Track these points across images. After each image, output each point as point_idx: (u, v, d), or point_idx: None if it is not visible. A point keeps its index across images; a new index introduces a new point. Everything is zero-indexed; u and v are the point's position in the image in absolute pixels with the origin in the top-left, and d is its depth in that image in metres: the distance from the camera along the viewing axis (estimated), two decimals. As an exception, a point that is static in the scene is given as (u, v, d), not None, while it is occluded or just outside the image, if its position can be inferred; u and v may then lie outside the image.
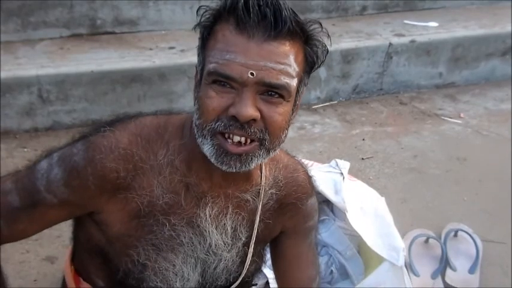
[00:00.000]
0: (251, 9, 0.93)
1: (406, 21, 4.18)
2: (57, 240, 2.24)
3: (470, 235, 2.33)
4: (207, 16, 1.01)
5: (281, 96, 0.99)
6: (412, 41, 3.83)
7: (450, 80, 4.06)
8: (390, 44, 3.76)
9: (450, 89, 4.02)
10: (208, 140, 1.01)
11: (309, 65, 1.06)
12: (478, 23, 4.19)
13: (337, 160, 2.14)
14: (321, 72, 3.62)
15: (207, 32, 1.01)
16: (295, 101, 1.06)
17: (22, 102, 3.07)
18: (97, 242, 1.18)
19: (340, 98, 3.81)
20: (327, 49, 1.07)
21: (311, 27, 1.02)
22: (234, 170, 1.02)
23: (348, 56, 3.69)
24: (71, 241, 1.35)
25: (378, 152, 3.16)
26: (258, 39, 0.94)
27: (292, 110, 1.06)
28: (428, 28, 4.07)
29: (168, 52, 3.44)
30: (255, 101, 0.97)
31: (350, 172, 2.18)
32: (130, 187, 1.10)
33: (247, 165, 1.03)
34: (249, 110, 0.95)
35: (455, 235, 2.36)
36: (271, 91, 0.97)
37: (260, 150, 1.02)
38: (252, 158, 1.02)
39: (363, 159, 3.08)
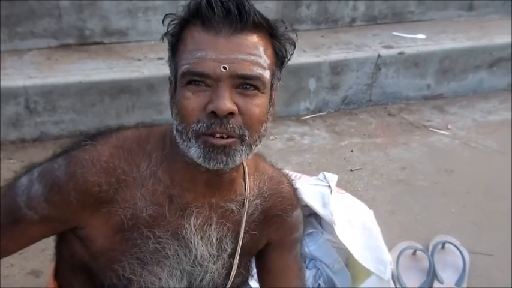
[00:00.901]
0: (214, 6, 0.96)
1: (394, 33, 4.22)
2: (42, 253, 2.21)
3: (457, 247, 2.33)
4: (175, 24, 1.02)
5: (256, 87, 0.99)
6: (401, 53, 3.85)
7: (438, 91, 4.09)
8: (379, 56, 3.79)
9: (438, 101, 4.05)
10: (194, 142, 1.00)
11: (279, 59, 1.07)
12: (465, 35, 4.23)
13: (325, 173, 2.14)
14: (310, 83, 3.63)
15: (176, 39, 1.02)
16: (271, 96, 1.07)
17: (9, 113, 3.05)
18: (80, 257, 1.16)
19: (329, 109, 3.82)
20: (295, 43, 1.08)
21: (276, 23, 1.04)
22: (222, 165, 1.01)
23: (337, 68, 3.70)
24: (54, 257, 1.33)
25: (367, 163, 3.16)
26: (225, 33, 0.96)
27: (269, 104, 1.06)
28: (417, 40, 4.11)
29: (157, 63, 3.43)
30: (231, 95, 0.97)
31: (338, 184, 2.18)
32: (113, 200, 1.08)
33: (232, 159, 1.02)
34: (226, 103, 0.95)
35: (443, 247, 2.36)
36: (246, 84, 0.98)
37: (242, 146, 1.01)
38: (235, 152, 1.01)
39: (351, 170, 3.08)
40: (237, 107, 0.98)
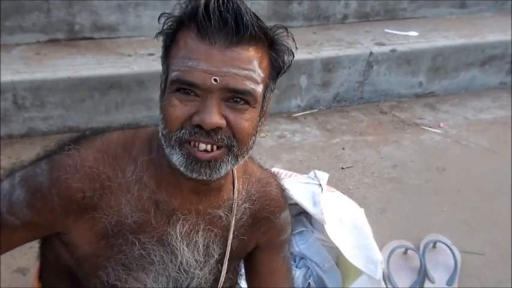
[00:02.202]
0: (212, 16, 0.91)
1: (386, 30, 4.21)
2: (29, 251, 2.18)
3: (448, 246, 2.33)
4: (169, 24, 0.99)
5: (247, 102, 0.97)
6: (393, 50, 3.84)
7: (430, 89, 4.08)
8: (371, 53, 3.77)
9: (430, 99, 4.04)
10: (177, 150, 0.98)
11: (275, 70, 1.04)
12: (457, 33, 4.22)
13: (316, 171, 2.12)
14: (302, 80, 3.61)
15: (170, 39, 0.99)
16: (262, 107, 1.04)
17: (-4, 109, 3.01)
18: (65, 262, 1.14)
19: (321, 107, 3.80)
20: (293, 53, 1.05)
21: (275, 32, 1.01)
22: (205, 178, 1.00)
23: (329, 65, 3.69)
24: (38, 258, 1.30)
25: (358, 161, 3.15)
26: (220, 45, 0.93)
27: (260, 116, 1.04)
28: (409, 37, 4.09)
29: (148, 59, 3.40)
30: (220, 108, 0.95)
31: (330, 181, 2.17)
32: (98, 207, 1.06)
33: (216, 172, 1.00)
34: (213, 117, 0.93)
35: (434, 246, 2.35)
36: (237, 97, 0.96)
37: (228, 156, 1.00)
38: (220, 164, 1.00)
39: (342, 168, 3.07)
40: (226, 120, 0.96)
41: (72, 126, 3.19)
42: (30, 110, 3.08)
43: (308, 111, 3.73)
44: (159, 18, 1.00)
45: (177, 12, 0.98)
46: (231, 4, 0.92)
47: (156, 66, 3.27)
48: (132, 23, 3.76)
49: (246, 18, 0.92)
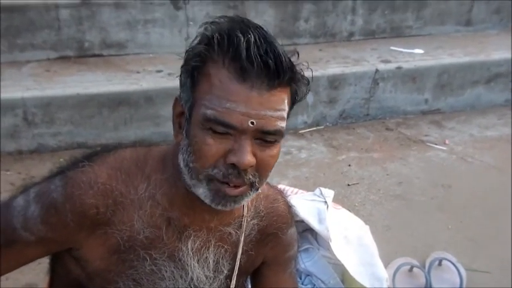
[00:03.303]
0: (254, 59, 0.91)
1: (392, 48, 4.24)
2: (38, 267, 2.16)
3: (454, 264, 2.33)
4: (194, 57, 0.98)
5: (276, 140, 0.99)
6: (399, 68, 3.87)
7: (436, 106, 4.10)
8: (377, 70, 3.80)
9: (436, 116, 4.06)
10: (205, 185, 1.00)
11: (294, 102, 1.05)
12: (463, 50, 4.25)
13: (322, 188, 2.13)
14: (308, 97, 3.59)
15: (197, 71, 0.98)
16: None
17: (6, 125, 3.05)
18: (76, 276, 1.15)
19: (327, 123, 3.83)
20: (309, 81, 1.06)
21: (299, 67, 1.01)
22: (228, 209, 1.03)
23: (335, 82, 3.72)
24: (48, 273, 1.32)
25: (364, 178, 3.17)
26: (259, 88, 0.93)
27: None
28: (415, 55, 4.12)
29: (156, 75, 3.44)
30: (252, 148, 0.97)
31: (336, 198, 2.18)
32: (110, 222, 1.08)
33: (239, 203, 1.04)
34: (249, 158, 0.95)
35: (440, 264, 2.35)
36: (268, 137, 0.97)
37: (251, 191, 1.03)
38: (244, 198, 1.03)
39: (348, 185, 3.08)
40: (255, 158, 0.97)
41: (81, 142, 3.23)
42: (40, 126, 3.12)
43: (314, 128, 3.76)
44: (185, 52, 1.00)
45: (204, 47, 0.97)
46: (271, 47, 0.93)
47: (164, 83, 3.32)
48: (141, 40, 3.82)
49: (285, 62, 0.94)
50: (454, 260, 2.36)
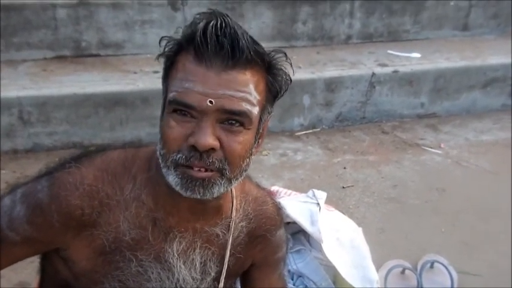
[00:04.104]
0: (209, 40, 0.94)
1: (389, 52, 4.25)
2: (30, 266, 2.17)
3: (445, 267, 2.33)
4: (170, 46, 1.01)
5: (241, 124, 0.99)
6: (395, 71, 3.88)
7: (432, 110, 4.11)
8: (373, 74, 3.81)
9: (432, 119, 4.07)
10: (173, 171, 1.00)
11: (272, 94, 1.06)
12: (460, 55, 4.26)
13: (314, 190, 2.14)
14: (305, 99, 3.65)
15: (170, 61, 1.02)
16: (258, 130, 1.06)
17: (2, 123, 3.05)
18: (64, 277, 1.16)
19: (323, 126, 3.83)
20: (290, 78, 1.07)
21: (273, 57, 1.03)
22: (199, 196, 1.01)
23: (332, 85, 3.72)
24: (38, 272, 1.33)
25: (359, 181, 3.17)
26: (216, 68, 0.95)
27: (256, 138, 1.06)
28: (411, 59, 4.14)
29: (152, 76, 3.45)
30: (215, 130, 0.97)
31: (330, 201, 2.19)
32: (96, 223, 1.08)
33: (209, 192, 1.01)
34: (207, 139, 0.95)
35: (431, 266, 2.36)
36: (232, 119, 0.97)
37: (221, 180, 1.01)
38: (213, 185, 1.01)
39: (343, 187, 3.09)
40: (220, 142, 0.97)
41: (76, 142, 3.23)
42: (36, 125, 3.12)
43: (310, 130, 3.77)
44: (160, 41, 1.03)
45: (177, 36, 1.01)
46: (228, 29, 0.95)
47: (161, 84, 3.30)
48: (138, 40, 3.82)
49: (242, 42, 0.95)
50: (445, 262, 2.37)
